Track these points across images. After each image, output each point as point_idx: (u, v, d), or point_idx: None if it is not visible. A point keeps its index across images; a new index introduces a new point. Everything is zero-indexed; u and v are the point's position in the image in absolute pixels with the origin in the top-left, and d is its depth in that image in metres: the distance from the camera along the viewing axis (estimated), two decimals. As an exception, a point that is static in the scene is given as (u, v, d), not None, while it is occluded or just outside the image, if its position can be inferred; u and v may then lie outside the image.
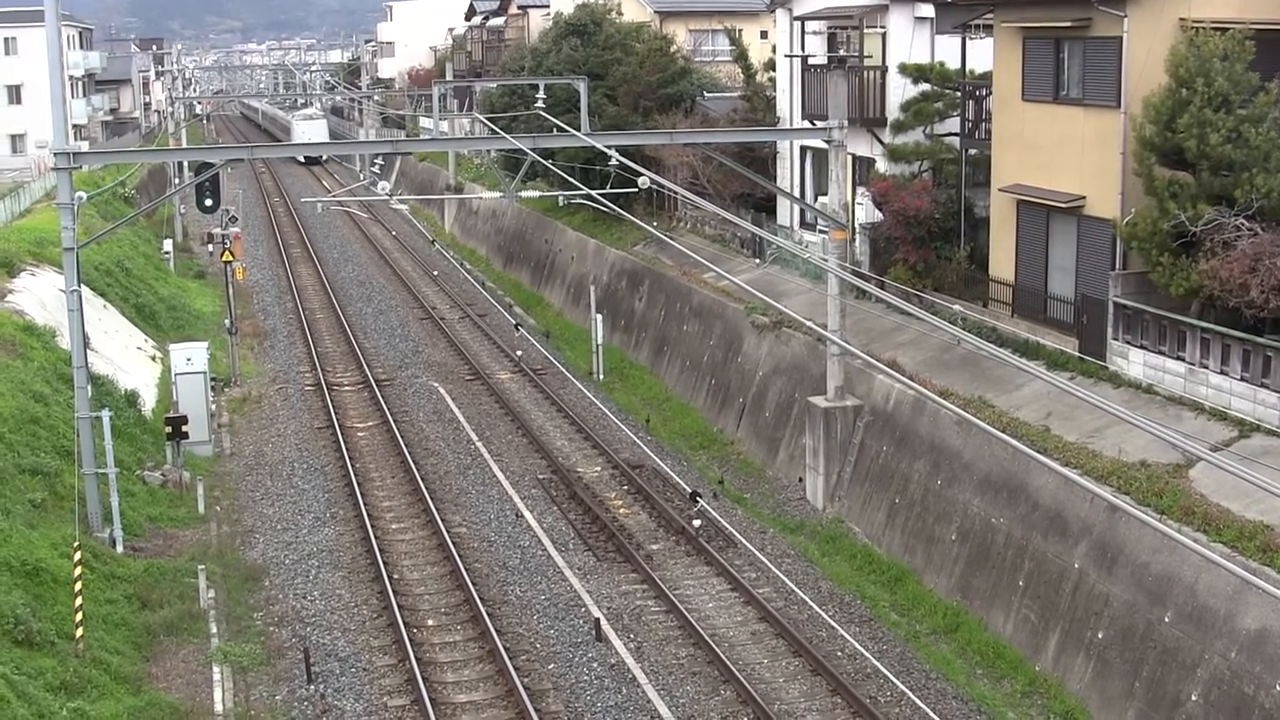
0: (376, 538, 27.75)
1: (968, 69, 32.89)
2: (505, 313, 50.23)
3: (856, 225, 34.71)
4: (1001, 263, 30.40)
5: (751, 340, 35.16)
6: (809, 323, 19.97)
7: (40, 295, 38.49)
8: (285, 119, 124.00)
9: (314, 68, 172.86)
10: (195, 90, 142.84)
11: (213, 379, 35.70)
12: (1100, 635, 20.96)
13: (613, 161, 27.72)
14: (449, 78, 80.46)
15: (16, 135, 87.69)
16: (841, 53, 37.98)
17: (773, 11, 42.83)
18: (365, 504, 29.76)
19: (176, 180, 69.82)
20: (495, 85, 61.79)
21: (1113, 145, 26.48)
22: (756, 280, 37.14)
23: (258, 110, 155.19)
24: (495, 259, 62.12)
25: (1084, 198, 27.46)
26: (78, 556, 22.40)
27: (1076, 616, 21.56)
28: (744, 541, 27.00)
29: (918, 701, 20.74)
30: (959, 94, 33.55)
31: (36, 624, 20.79)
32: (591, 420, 36.15)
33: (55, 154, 26.91)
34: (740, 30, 48.00)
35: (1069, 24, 27.36)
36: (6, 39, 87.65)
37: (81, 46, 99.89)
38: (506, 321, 48.30)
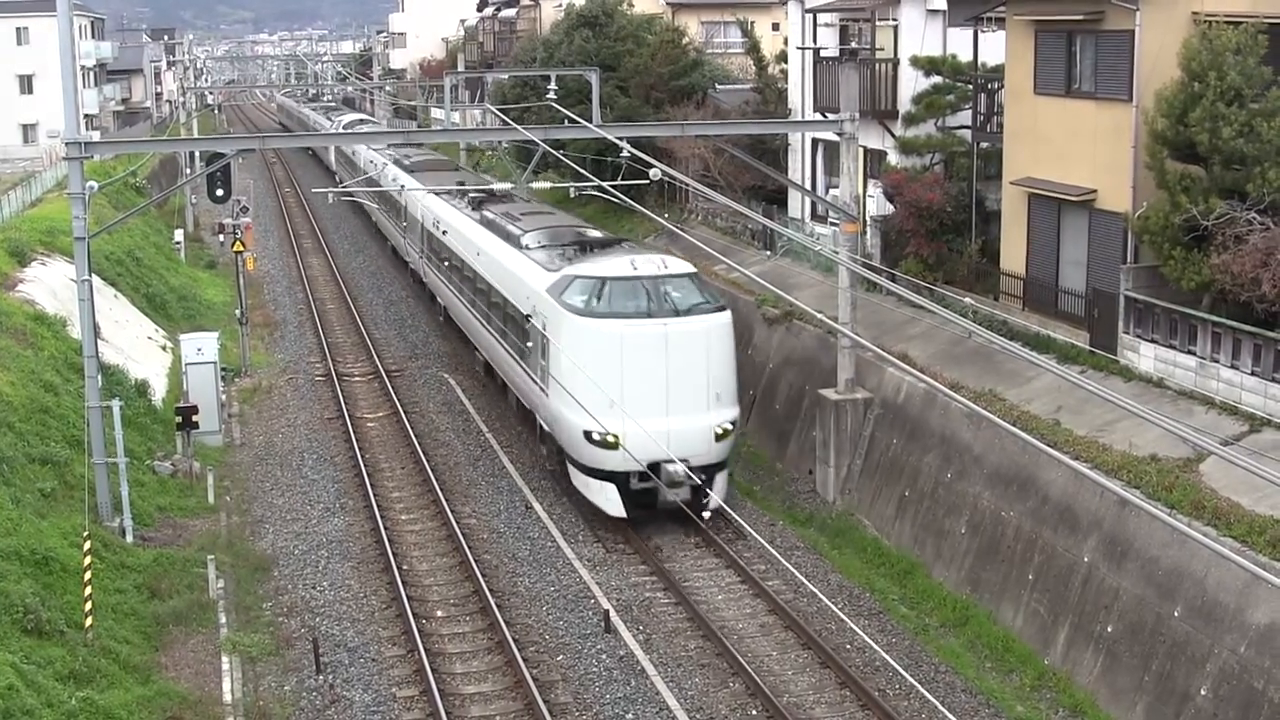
0: (386, 528, 27.78)
1: (980, 62, 32.79)
2: (515, 304, 50.14)
3: (868, 218, 34.67)
4: (1013, 256, 30.33)
5: (762, 332, 35.12)
6: (820, 315, 19.91)
7: (51, 285, 38.54)
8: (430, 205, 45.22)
9: (325, 58, 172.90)
10: (207, 80, 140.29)
11: (223, 369, 35.72)
12: (1110, 629, 20.93)
13: (624, 153, 27.61)
14: (461, 69, 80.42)
15: (28, 125, 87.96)
16: (853, 45, 37.86)
17: (785, 4, 42.79)
18: (375, 494, 29.79)
19: (188, 170, 69.84)
20: (507, 76, 61.76)
21: (1125, 139, 26.39)
22: (767, 272, 37.08)
23: (326, 147, 77.53)
24: (506, 250, 61.90)
25: (1096, 191, 27.38)
26: (87, 546, 22.44)
27: (1086, 610, 21.53)
28: (753, 534, 26.91)
29: (927, 695, 20.59)
30: (971, 87, 33.47)
31: (46, 613, 20.84)
32: (601, 412, 36.05)
33: (66, 143, 26.95)
34: (752, 22, 48.01)
35: (1081, 17, 27.28)
36: (18, 28, 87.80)
37: (93, 36, 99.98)
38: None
